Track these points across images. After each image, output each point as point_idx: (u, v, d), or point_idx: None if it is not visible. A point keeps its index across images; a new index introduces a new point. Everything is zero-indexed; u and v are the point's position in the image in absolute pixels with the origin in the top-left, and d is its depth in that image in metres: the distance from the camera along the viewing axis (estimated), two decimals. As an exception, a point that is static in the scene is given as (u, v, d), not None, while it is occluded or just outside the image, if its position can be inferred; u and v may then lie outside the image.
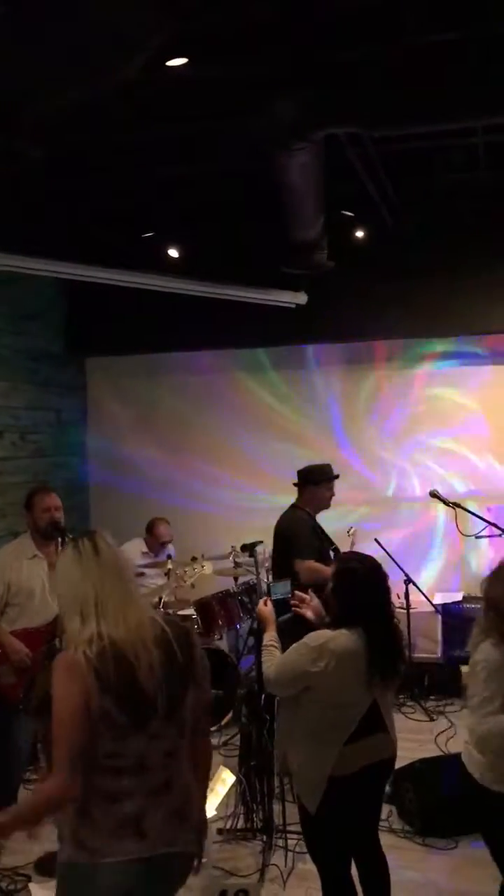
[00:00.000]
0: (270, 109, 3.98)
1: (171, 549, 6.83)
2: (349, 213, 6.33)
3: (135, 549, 6.73)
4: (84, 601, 2.34)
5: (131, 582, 2.46)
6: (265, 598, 3.82)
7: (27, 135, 3.60)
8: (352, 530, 5.64)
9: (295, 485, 5.47)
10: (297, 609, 3.74)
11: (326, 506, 5.43)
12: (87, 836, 2.26)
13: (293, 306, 6.78)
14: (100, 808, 2.27)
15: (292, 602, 3.79)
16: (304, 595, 3.70)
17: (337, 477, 5.49)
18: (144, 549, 6.74)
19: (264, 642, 3.48)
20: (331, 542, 5.36)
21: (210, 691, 2.59)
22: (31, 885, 3.96)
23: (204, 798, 2.58)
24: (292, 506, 5.42)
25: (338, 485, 5.59)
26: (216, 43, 3.85)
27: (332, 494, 5.43)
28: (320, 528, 5.40)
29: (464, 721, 3.15)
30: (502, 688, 2.95)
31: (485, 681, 2.98)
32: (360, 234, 6.54)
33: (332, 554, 5.17)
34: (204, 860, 2.55)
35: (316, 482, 5.41)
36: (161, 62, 3.83)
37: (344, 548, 5.43)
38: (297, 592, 3.76)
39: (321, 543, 5.32)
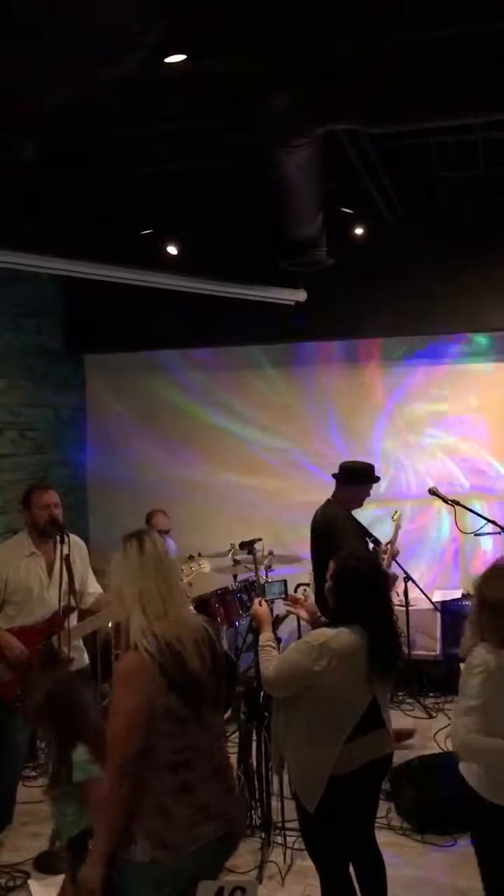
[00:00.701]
0: (268, 105, 3.97)
1: (171, 544, 6.82)
2: (348, 210, 6.32)
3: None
4: (133, 596, 2.48)
5: (172, 579, 2.57)
6: (259, 598, 3.82)
7: (22, 131, 3.59)
8: (396, 514, 5.60)
9: (335, 477, 5.35)
10: (291, 609, 3.74)
11: (360, 505, 5.37)
12: (167, 833, 2.36)
13: (292, 303, 6.77)
14: (175, 802, 2.38)
15: (286, 603, 3.79)
16: (298, 595, 3.70)
17: (378, 480, 5.42)
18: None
19: (261, 643, 3.47)
20: (369, 534, 5.35)
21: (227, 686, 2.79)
22: (31, 882, 3.97)
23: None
24: (328, 502, 5.32)
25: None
26: (214, 39, 3.84)
27: (369, 495, 5.37)
28: (358, 521, 5.38)
29: (451, 726, 3.12)
30: (494, 698, 2.90)
31: (480, 685, 2.94)
32: (359, 230, 6.52)
33: (370, 545, 5.19)
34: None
35: (361, 482, 5.33)
36: (159, 58, 3.81)
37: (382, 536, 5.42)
38: (290, 593, 3.77)
39: (361, 537, 5.30)
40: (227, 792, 2.57)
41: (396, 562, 5.47)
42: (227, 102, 4.27)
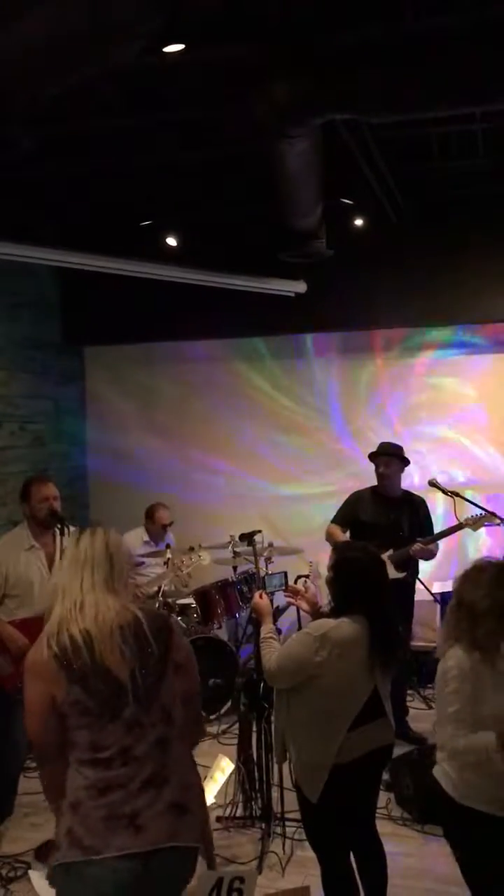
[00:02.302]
0: (268, 95, 3.95)
1: (170, 536, 6.83)
2: (348, 201, 6.30)
3: (136, 538, 6.73)
4: (54, 592, 2.44)
5: (105, 570, 2.44)
6: (260, 591, 3.82)
7: (21, 121, 3.57)
8: (312, 565, 5.62)
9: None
10: (292, 601, 3.75)
11: (379, 483, 5.57)
12: (81, 833, 2.25)
13: (292, 295, 6.76)
14: (90, 800, 2.26)
15: (286, 594, 3.79)
16: (298, 587, 3.70)
17: (374, 455, 5.60)
18: (146, 537, 6.74)
19: (262, 635, 3.48)
20: (390, 523, 5.42)
21: (195, 680, 2.56)
22: (31, 873, 3.97)
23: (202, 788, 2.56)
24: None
25: (336, 474, 5.60)
26: (213, 29, 3.82)
27: (381, 471, 5.53)
28: (385, 506, 5.52)
29: (437, 735, 3.03)
30: (472, 700, 2.82)
31: (455, 692, 2.85)
32: (358, 222, 6.51)
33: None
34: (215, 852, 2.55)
35: (372, 460, 5.60)
36: (158, 48, 3.80)
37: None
38: (290, 585, 3.77)
39: (365, 516, 5.50)
40: (173, 808, 2.31)
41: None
42: (226, 92, 4.26)
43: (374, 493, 5.62)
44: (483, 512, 5.52)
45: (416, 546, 5.32)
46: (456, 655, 2.90)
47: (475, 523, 5.49)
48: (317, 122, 4.26)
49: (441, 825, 3.10)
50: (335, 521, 5.63)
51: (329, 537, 5.56)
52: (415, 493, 5.75)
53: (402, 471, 5.61)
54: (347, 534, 5.55)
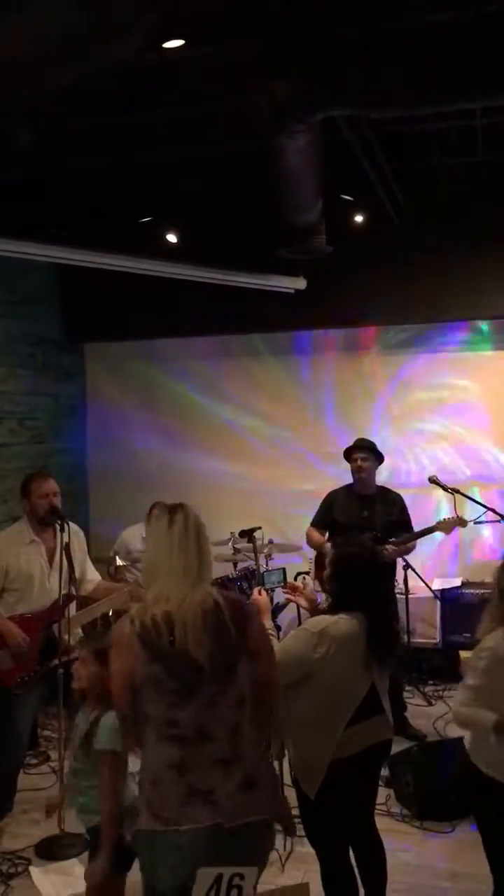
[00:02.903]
0: (267, 91, 3.95)
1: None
2: (348, 197, 6.29)
3: (136, 534, 6.71)
4: (149, 572, 2.54)
5: (194, 554, 2.54)
6: (259, 588, 3.83)
7: (20, 118, 3.57)
8: (311, 562, 5.63)
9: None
10: (290, 597, 3.75)
11: (355, 478, 5.61)
12: (161, 805, 2.36)
13: (292, 291, 6.75)
14: (171, 777, 2.37)
15: (285, 591, 3.79)
16: (296, 583, 3.70)
17: (351, 450, 5.63)
18: (145, 534, 6.73)
19: (261, 630, 3.48)
20: (362, 521, 5.40)
21: (271, 666, 2.66)
22: (32, 869, 3.99)
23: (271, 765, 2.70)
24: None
25: (335, 471, 5.61)
26: (213, 24, 3.81)
27: (356, 467, 5.57)
28: (358, 504, 5.54)
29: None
30: (498, 680, 2.94)
31: (484, 669, 2.98)
32: (358, 218, 6.49)
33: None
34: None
35: (347, 458, 5.64)
36: (157, 44, 3.79)
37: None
38: (289, 581, 3.77)
39: (339, 516, 5.53)
40: (246, 786, 2.43)
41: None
42: (225, 88, 4.25)
43: (349, 491, 5.64)
44: (455, 515, 5.55)
45: (390, 548, 5.30)
46: (494, 638, 3.01)
47: (447, 526, 5.50)
48: (316, 118, 4.25)
49: (469, 797, 3.17)
50: (313, 523, 5.68)
51: (308, 541, 5.65)
52: (391, 489, 5.75)
53: (376, 466, 5.62)
54: (326, 535, 5.58)
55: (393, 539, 5.35)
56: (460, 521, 5.51)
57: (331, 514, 5.61)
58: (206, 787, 2.37)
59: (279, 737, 3.33)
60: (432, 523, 5.62)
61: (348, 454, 5.63)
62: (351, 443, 5.76)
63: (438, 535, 5.63)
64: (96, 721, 2.94)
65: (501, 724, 2.90)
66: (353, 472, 5.58)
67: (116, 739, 2.82)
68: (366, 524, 5.35)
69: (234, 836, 2.36)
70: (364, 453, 5.56)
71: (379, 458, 5.63)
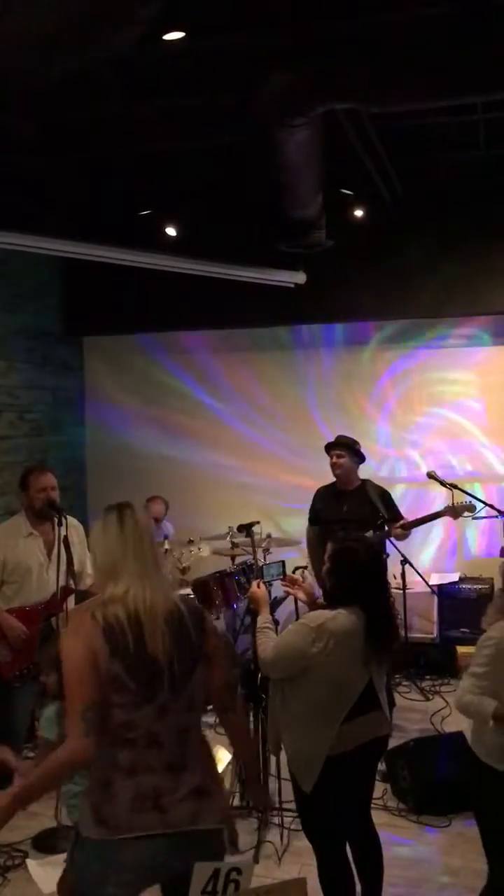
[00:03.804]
0: (268, 84, 3.93)
1: (168, 528, 6.83)
2: (348, 192, 6.27)
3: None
4: (107, 568, 2.45)
5: (150, 556, 2.49)
6: (258, 580, 3.82)
7: (19, 109, 3.56)
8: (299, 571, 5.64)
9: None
10: (289, 590, 3.75)
11: (333, 474, 5.65)
12: (108, 812, 2.29)
13: (292, 286, 6.74)
14: (119, 781, 2.31)
15: (284, 584, 3.79)
16: (296, 577, 3.70)
17: (328, 447, 5.66)
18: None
19: (259, 624, 3.48)
20: (341, 516, 5.43)
21: (232, 671, 2.67)
22: (29, 862, 3.98)
23: (217, 775, 2.59)
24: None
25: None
26: (213, 16, 3.80)
27: (333, 464, 5.61)
28: (337, 500, 5.59)
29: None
30: (499, 672, 2.98)
31: (487, 657, 3.02)
32: (359, 212, 6.48)
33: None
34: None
35: (326, 453, 5.68)
36: (157, 36, 3.77)
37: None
38: (288, 575, 3.77)
39: (321, 512, 5.62)
40: (195, 793, 2.37)
41: (393, 544, 5.49)
42: (226, 81, 4.24)
43: (331, 487, 5.71)
44: (470, 500, 5.55)
45: (398, 531, 5.37)
46: (499, 628, 3.05)
47: (456, 512, 5.53)
48: (317, 112, 4.23)
49: (468, 784, 3.19)
50: (309, 521, 5.83)
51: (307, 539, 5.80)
52: (376, 483, 5.74)
53: (355, 463, 5.62)
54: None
55: (400, 522, 5.41)
56: (469, 507, 5.53)
57: (315, 510, 5.75)
58: (156, 792, 2.31)
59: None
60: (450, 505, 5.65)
61: (327, 451, 5.68)
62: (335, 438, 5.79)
63: (436, 531, 5.65)
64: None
65: (500, 713, 2.93)
66: (331, 468, 5.63)
67: (50, 728, 2.81)
68: (345, 519, 5.39)
69: (183, 843, 2.30)
70: (339, 450, 5.59)
71: (357, 454, 5.62)
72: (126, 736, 2.32)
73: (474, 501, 5.60)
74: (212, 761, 2.54)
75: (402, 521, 5.43)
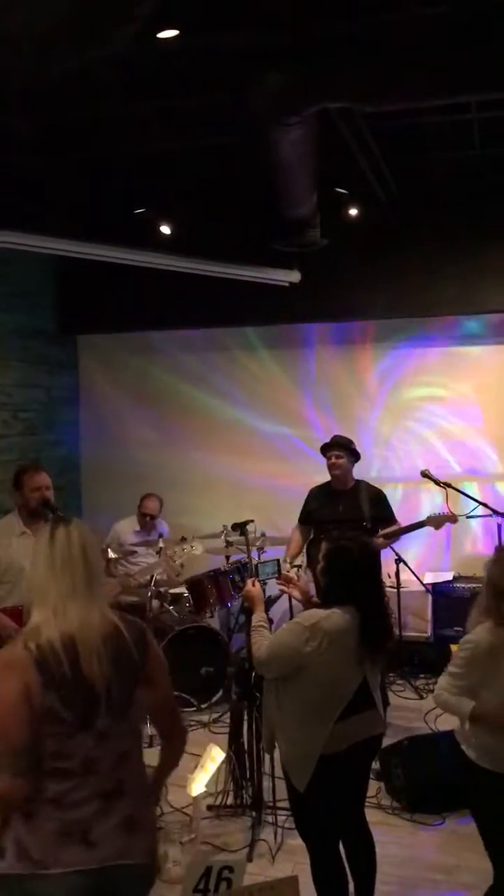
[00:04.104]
0: (262, 83, 3.93)
1: (163, 526, 6.83)
2: (342, 191, 6.28)
3: (128, 528, 6.73)
4: (36, 591, 2.30)
5: (82, 574, 2.31)
6: (252, 578, 3.83)
7: (14, 108, 3.55)
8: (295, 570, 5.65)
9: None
10: (284, 589, 3.75)
11: (331, 474, 5.63)
12: (31, 844, 2.16)
13: (286, 284, 6.74)
14: (45, 813, 2.18)
15: (278, 582, 3.79)
16: (291, 575, 3.70)
17: (325, 448, 5.65)
18: (137, 527, 6.74)
19: (253, 623, 3.48)
20: (336, 517, 5.40)
21: (170, 690, 2.48)
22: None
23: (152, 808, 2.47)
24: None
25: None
26: (208, 14, 3.79)
27: (330, 464, 5.60)
28: (332, 500, 5.58)
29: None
30: (479, 670, 3.00)
31: (464, 659, 3.05)
32: (353, 211, 6.48)
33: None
34: (174, 866, 2.48)
35: (323, 455, 5.66)
36: (152, 34, 3.77)
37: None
38: (283, 573, 3.77)
39: (315, 512, 5.58)
40: (126, 823, 2.23)
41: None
42: (220, 80, 4.23)
43: (325, 487, 5.69)
44: (447, 512, 5.56)
45: (379, 541, 5.30)
46: (479, 631, 3.06)
47: (437, 522, 5.52)
48: (311, 111, 4.23)
49: (463, 787, 3.20)
50: (299, 520, 5.77)
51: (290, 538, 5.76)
52: (371, 484, 5.74)
53: (351, 463, 5.62)
54: (311, 531, 5.65)
55: (382, 532, 5.36)
56: (451, 518, 5.52)
57: (308, 510, 5.70)
58: (84, 825, 2.18)
59: (268, 730, 3.33)
60: (424, 517, 5.63)
61: (324, 451, 5.66)
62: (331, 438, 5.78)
63: (430, 530, 5.64)
64: None
65: (476, 714, 2.97)
66: (328, 468, 5.61)
67: None
68: (340, 519, 5.37)
69: (110, 878, 2.18)
70: (338, 450, 5.57)
71: (354, 454, 5.63)
72: (57, 766, 2.20)
73: (458, 507, 5.59)
74: (147, 788, 2.42)
75: (383, 532, 5.38)
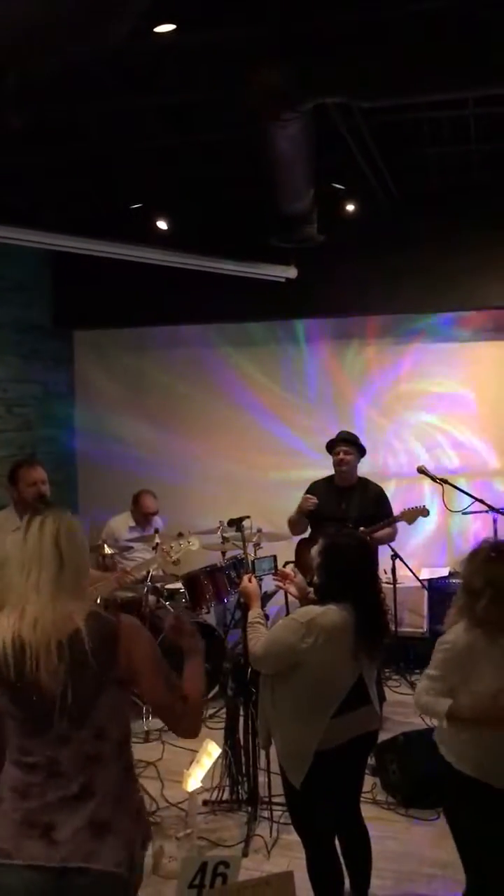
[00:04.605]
0: (259, 78, 3.91)
1: (158, 521, 6.83)
2: (339, 186, 6.27)
3: (122, 523, 6.72)
4: (6, 589, 2.24)
5: (52, 571, 2.21)
6: (249, 574, 3.82)
7: (9, 102, 3.53)
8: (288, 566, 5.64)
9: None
10: (281, 585, 3.75)
11: (336, 470, 5.60)
12: None
13: (283, 280, 6.73)
14: (11, 802, 2.18)
15: (275, 579, 3.79)
16: (288, 571, 3.70)
17: (333, 443, 5.61)
18: (132, 522, 6.74)
19: (249, 619, 3.49)
20: (338, 513, 5.38)
21: (160, 689, 2.29)
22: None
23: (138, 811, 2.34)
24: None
25: (325, 461, 5.62)
26: (204, 9, 3.78)
27: (338, 460, 5.57)
28: (336, 496, 5.53)
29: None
30: (456, 671, 2.97)
31: (441, 660, 3.02)
32: (350, 207, 6.48)
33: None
34: (169, 861, 2.41)
35: (329, 451, 5.63)
36: (148, 29, 3.75)
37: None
38: (280, 569, 3.77)
39: (321, 508, 5.48)
40: (95, 827, 2.15)
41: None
42: (217, 75, 4.21)
43: (328, 483, 5.64)
44: (422, 506, 5.56)
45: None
46: (455, 631, 3.02)
47: (411, 516, 5.49)
48: (308, 106, 4.22)
49: (441, 792, 3.17)
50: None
51: (290, 525, 5.69)
52: (372, 481, 5.73)
53: (358, 459, 5.62)
54: (308, 526, 5.61)
55: (362, 529, 5.31)
56: (423, 511, 5.51)
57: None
58: (47, 821, 2.14)
59: (264, 726, 3.33)
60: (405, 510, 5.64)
61: (331, 446, 5.63)
62: (337, 433, 5.76)
63: (428, 524, 5.65)
64: None
65: (453, 713, 2.93)
66: (335, 464, 5.58)
67: None
68: (342, 516, 5.36)
69: (69, 881, 2.10)
70: (347, 446, 5.56)
71: (361, 451, 5.63)
72: (21, 759, 2.18)
73: (454, 503, 5.58)
74: (130, 794, 2.29)
75: (363, 531, 5.24)
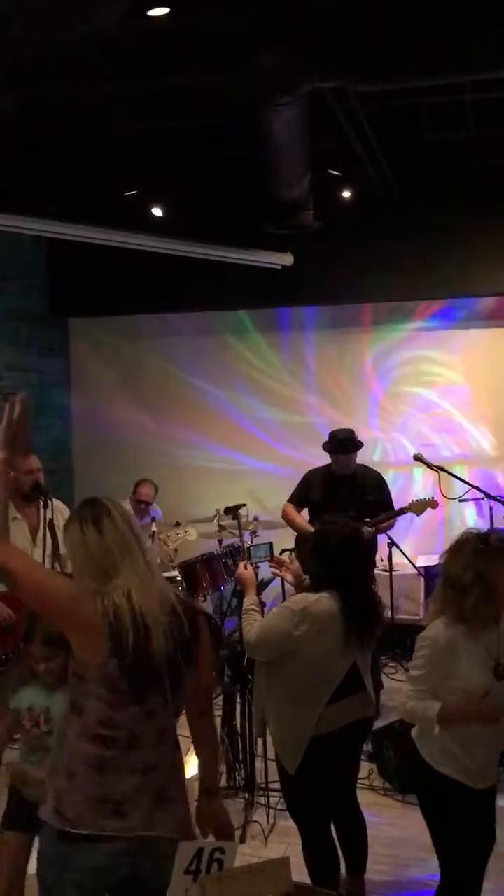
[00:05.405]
0: (254, 62, 3.89)
1: (156, 510, 6.82)
2: (335, 172, 6.23)
3: (120, 512, 6.70)
4: (105, 562, 2.27)
5: (145, 549, 2.36)
6: (245, 561, 3.82)
7: (2, 85, 3.50)
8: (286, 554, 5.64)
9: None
10: (277, 572, 3.75)
11: (341, 470, 5.51)
12: (67, 802, 2.23)
13: (279, 267, 6.71)
14: (84, 776, 2.24)
15: (271, 565, 3.79)
16: (283, 558, 3.70)
17: (334, 452, 5.51)
18: (130, 511, 6.72)
19: (245, 606, 3.48)
20: (337, 503, 5.32)
21: (212, 674, 2.53)
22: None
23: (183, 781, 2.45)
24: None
25: (322, 449, 5.60)
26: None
27: (340, 464, 5.49)
28: (335, 486, 5.48)
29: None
30: (439, 670, 2.84)
31: (424, 658, 2.88)
32: (346, 193, 6.44)
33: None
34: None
35: (330, 452, 5.55)
36: (141, 12, 3.72)
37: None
38: (275, 556, 3.76)
39: (315, 496, 5.48)
40: (156, 798, 2.28)
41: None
42: (211, 58, 4.18)
43: (327, 471, 5.59)
44: (430, 497, 5.56)
45: (367, 530, 5.22)
46: (436, 626, 2.91)
47: (419, 508, 5.49)
48: (303, 90, 4.19)
49: (417, 790, 3.11)
50: (291, 499, 5.64)
51: (284, 516, 5.62)
52: (372, 468, 5.70)
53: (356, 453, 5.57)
54: (305, 512, 5.59)
55: (368, 520, 5.30)
56: (432, 503, 5.50)
57: (309, 493, 5.59)
58: (120, 796, 2.23)
59: (259, 713, 3.33)
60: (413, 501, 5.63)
61: (328, 450, 5.52)
62: (333, 426, 5.73)
63: (423, 514, 5.64)
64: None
65: (444, 714, 2.79)
66: (333, 462, 5.53)
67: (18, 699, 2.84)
68: (342, 504, 5.33)
69: (136, 848, 2.22)
70: (346, 454, 5.47)
71: (358, 445, 5.58)
72: (101, 733, 2.24)
73: (451, 490, 5.57)
74: (180, 766, 2.45)
75: (368, 521, 5.29)
